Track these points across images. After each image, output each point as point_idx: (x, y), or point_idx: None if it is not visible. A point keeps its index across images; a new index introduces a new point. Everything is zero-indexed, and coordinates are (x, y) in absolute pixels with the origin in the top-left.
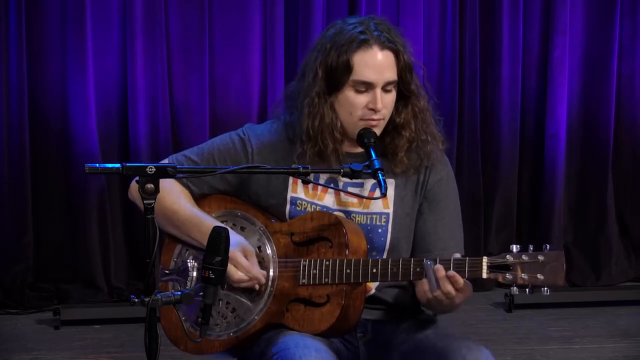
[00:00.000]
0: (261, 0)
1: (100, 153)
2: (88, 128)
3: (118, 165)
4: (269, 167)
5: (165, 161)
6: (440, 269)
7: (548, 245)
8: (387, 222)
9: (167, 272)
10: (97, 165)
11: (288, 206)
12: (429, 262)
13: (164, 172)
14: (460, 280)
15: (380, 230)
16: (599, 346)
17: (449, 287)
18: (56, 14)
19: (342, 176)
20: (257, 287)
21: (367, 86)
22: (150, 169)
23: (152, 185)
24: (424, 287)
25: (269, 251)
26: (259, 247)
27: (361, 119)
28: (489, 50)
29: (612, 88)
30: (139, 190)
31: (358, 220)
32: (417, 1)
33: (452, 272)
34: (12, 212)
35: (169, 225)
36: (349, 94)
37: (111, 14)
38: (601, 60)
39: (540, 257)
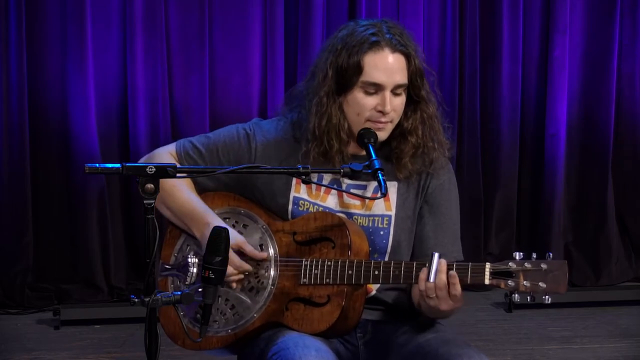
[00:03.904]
0: (261, 0)
1: (100, 153)
2: (88, 128)
3: (118, 165)
4: (269, 167)
5: (173, 146)
6: (444, 263)
7: (551, 254)
8: (389, 224)
9: (167, 267)
10: (97, 165)
11: (291, 206)
12: (436, 254)
13: (164, 172)
14: (458, 286)
15: (382, 233)
16: (599, 346)
17: (443, 284)
18: (56, 14)
19: (342, 176)
20: (234, 285)
21: (376, 88)
22: (150, 169)
23: (152, 185)
24: (420, 275)
25: (271, 250)
26: (261, 245)
27: (368, 121)
28: (489, 50)
29: (612, 88)
30: (139, 190)
31: (360, 222)
32: (417, 1)
33: (454, 273)
34: (12, 212)
35: (165, 208)
36: (358, 95)
37: (111, 13)
38: (601, 60)
39: (543, 265)
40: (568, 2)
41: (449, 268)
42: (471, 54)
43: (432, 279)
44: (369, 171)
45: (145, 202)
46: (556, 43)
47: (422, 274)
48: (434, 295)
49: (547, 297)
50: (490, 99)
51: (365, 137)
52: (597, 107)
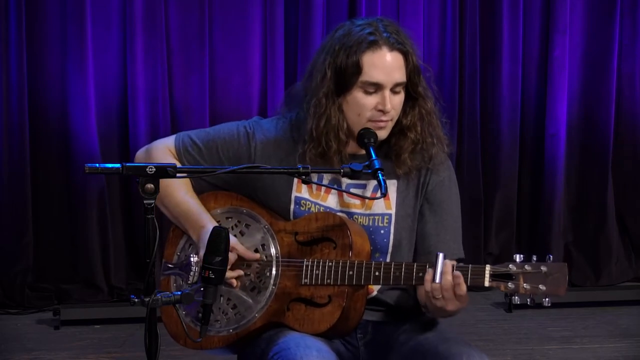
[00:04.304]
0: (261, 0)
1: (100, 153)
2: (88, 128)
3: (118, 165)
4: (269, 167)
5: (172, 140)
6: (449, 263)
7: (551, 256)
8: (389, 223)
9: (170, 266)
10: (97, 165)
11: (292, 205)
12: (441, 254)
13: (164, 172)
14: (463, 286)
15: (382, 232)
16: (599, 346)
17: (449, 285)
18: (56, 14)
19: (342, 176)
20: (234, 283)
21: (376, 87)
22: (150, 169)
23: (152, 185)
24: (426, 277)
25: (272, 250)
26: (263, 245)
27: (369, 120)
28: (489, 50)
29: (612, 88)
30: (139, 190)
31: (360, 222)
32: (417, 1)
33: (458, 274)
34: (12, 212)
35: (162, 205)
36: (357, 95)
37: (111, 14)
38: (601, 60)
39: (543, 268)
40: (568, 2)
41: (453, 269)
42: (471, 54)
43: (437, 280)
44: (369, 171)
45: (145, 202)
46: (556, 43)
47: (428, 275)
48: (440, 296)
49: (546, 299)
50: (490, 99)
51: (365, 137)
52: (597, 107)
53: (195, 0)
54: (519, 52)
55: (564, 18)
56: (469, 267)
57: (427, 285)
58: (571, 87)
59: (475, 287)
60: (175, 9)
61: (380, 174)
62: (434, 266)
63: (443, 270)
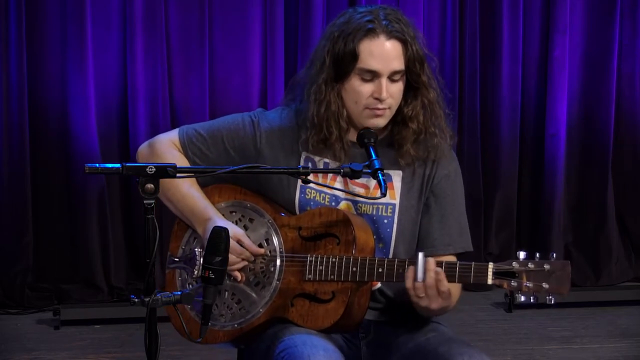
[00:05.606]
0: (261, 0)
1: (100, 153)
2: (88, 128)
3: (118, 165)
4: (269, 167)
5: (175, 133)
6: (431, 261)
7: (554, 254)
8: (393, 213)
9: (175, 259)
10: (97, 165)
11: (297, 194)
12: (421, 253)
13: (164, 172)
14: (445, 282)
15: (386, 221)
16: (599, 346)
17: (432, 283)
18: (56, 14)
19: (343, 176)
20: (238, 276)
21: (372, 75)
22: (150, 169)
23: (152, 185)
24: (407, 274)
25: (276, 244)
26: (267, 240)
27: (366, 108)
28: (489, 50)
29: (612, 88)
30: (138, 190)
31: (364, 210)
32: (417, 1)
33: (439, 270)
34: (12, 212)
35: (166, 199)
36: (355, 82)
37: (111, 14)
38: (601, 60)
39: (547, 266)
40: (568, 2)
41: (439, 265)
42: (471, 54)
43: (420, 278)
44: (369, 171)
45: (145, 202)
46: (556, 43)
47: (410, 273)
48: (424, 294)
49: (550, 297)
50: (490, 99)
51: (365, 137)
52: (597, 107)
53: (195, 0)
54: (519, 52)
55: (564, 18)
56: (472, 265)
57: (409, 282)
58: (571, 87)
59: (478, 285)
60: (175, 9)
61: (380, 174)
62: (414, 265)
63: (427, 267)
